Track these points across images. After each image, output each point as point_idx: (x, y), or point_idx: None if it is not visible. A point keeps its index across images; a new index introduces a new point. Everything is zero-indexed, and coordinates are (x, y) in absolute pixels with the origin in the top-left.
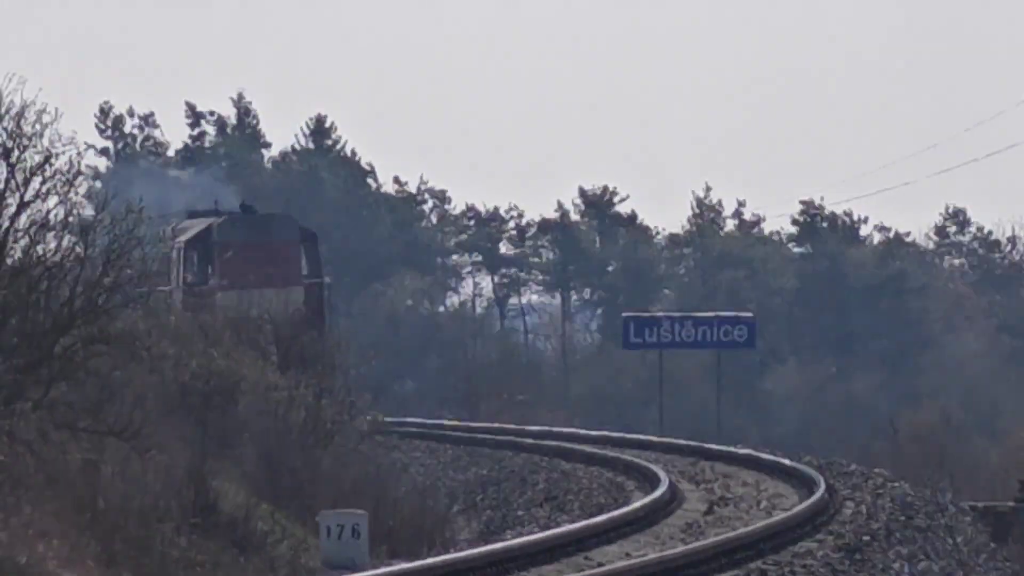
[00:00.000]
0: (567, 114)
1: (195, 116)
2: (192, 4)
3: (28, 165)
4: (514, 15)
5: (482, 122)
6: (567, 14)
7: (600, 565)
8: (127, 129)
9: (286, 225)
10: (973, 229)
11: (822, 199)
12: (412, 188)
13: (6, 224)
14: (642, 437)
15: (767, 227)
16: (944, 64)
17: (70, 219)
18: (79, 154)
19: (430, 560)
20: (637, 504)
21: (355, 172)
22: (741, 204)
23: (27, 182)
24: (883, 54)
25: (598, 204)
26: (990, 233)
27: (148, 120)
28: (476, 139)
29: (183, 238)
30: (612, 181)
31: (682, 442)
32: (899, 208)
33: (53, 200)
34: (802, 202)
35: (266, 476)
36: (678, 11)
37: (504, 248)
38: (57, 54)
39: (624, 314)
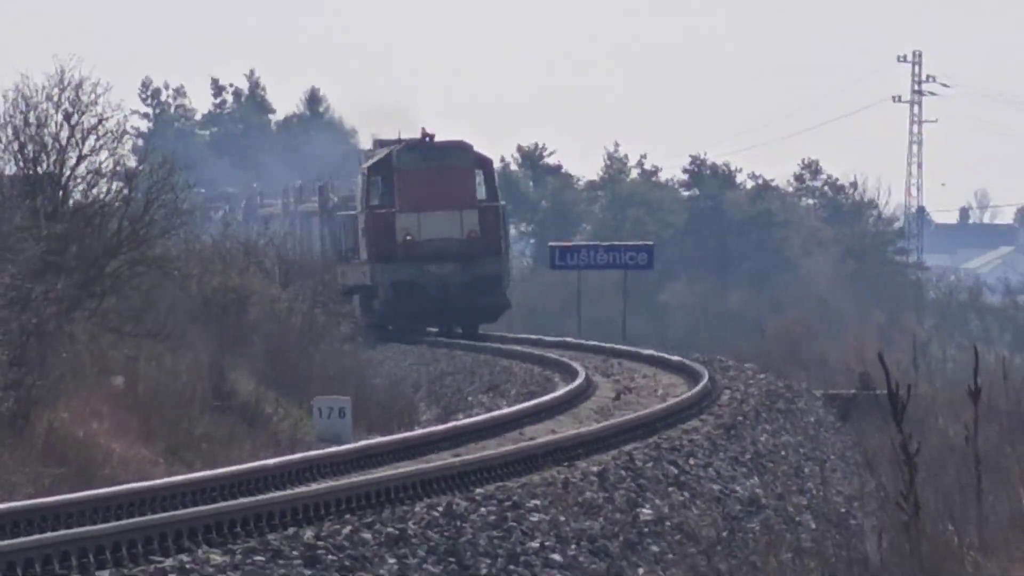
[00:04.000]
0: (507, 87)
1: (217, 88)
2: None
3: (85, 126)
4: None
5: (439, 94)
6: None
7: (531, 439)
8: (163, 98)
9: (462, 152)
10: (824, 176)
11: (705, 153)
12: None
13: (68, 172)
14: (568, 339)
15: (663, 175)
16: (804, 45)
17: (118, 168)
18: (125, 118)
19: (400, 435)
20: (559, 392)
21: (340, 132)
22: (643, 157)
23: (84, 139)
24: (758, 35)
25: (531, 157)
26: (837, 179)
27: (179, 91)
28: (435, 107)
29: (367, 164)
30: (542, 139)
31: (595, 343)
32: (767, 160)
33: (104, 153)
34: (691, 155)
35: (271, 369)
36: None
37: None
38: (108, 38)
39: (550, 243)
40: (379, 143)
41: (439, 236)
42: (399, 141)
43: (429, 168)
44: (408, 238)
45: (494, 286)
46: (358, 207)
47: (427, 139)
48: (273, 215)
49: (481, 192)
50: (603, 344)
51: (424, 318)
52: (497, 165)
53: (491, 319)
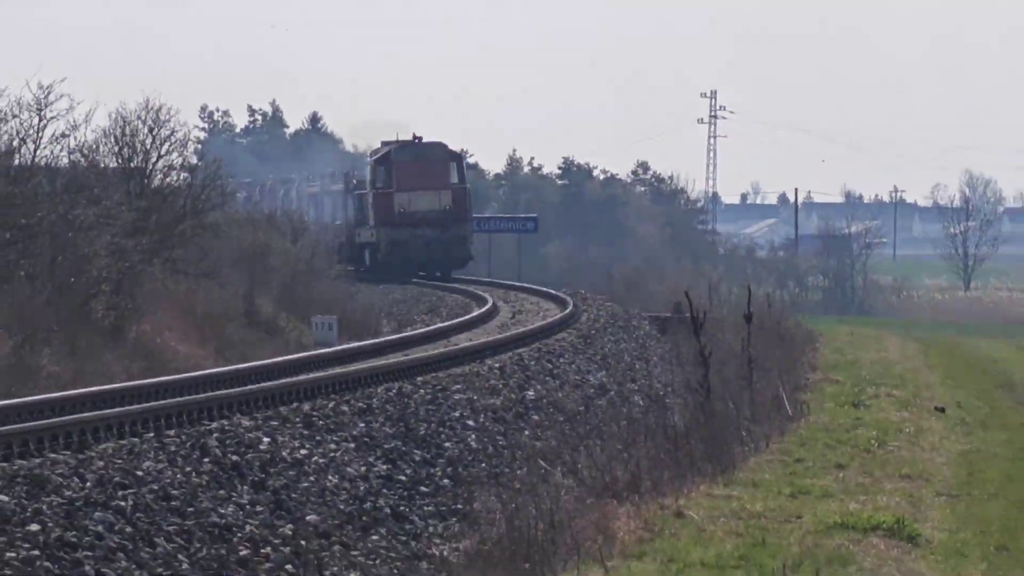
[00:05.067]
0: (435, 105)
1: (251, 111)
2: (248, 54)
3: (162, 136)
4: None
5: (402, 114)
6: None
7: (455, 344)
8: (215, 117)
9: (440, 149)
10: (651, 172)
11: (573, 155)
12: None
13: (151, 166)
14: (481, 279)
15: (545, 170)
16: (639, 82)
17: (184, 164)
18: (188, 131)
19: (368, 341)
20: (474, 313)
21: (334, 142)
22: (532, 158)
23: (162, 145)
24: (612, 73)
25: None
26: (659, 174)
27: (226, 113)
28: (400, 124)
29: (374, 158)
30: (465, 145)
31: (501, 281)
32: (614, 158)
33: (175, 154)
34: (563, 156)
35: (284, 297)
36: (516, 20)
37: None
38: (177, 77)
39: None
40: (383, 143)
41: (424, 209)
42: (397, 141)
43: (417, 160)
44: (402, 210)
45: (462, 244)
46: (368, 188)
47: (416, 140)
48: (315, 193)
49: (454, 177)
50: (504, 281)
51: (413, 266)
52: None
53: (460, 266)
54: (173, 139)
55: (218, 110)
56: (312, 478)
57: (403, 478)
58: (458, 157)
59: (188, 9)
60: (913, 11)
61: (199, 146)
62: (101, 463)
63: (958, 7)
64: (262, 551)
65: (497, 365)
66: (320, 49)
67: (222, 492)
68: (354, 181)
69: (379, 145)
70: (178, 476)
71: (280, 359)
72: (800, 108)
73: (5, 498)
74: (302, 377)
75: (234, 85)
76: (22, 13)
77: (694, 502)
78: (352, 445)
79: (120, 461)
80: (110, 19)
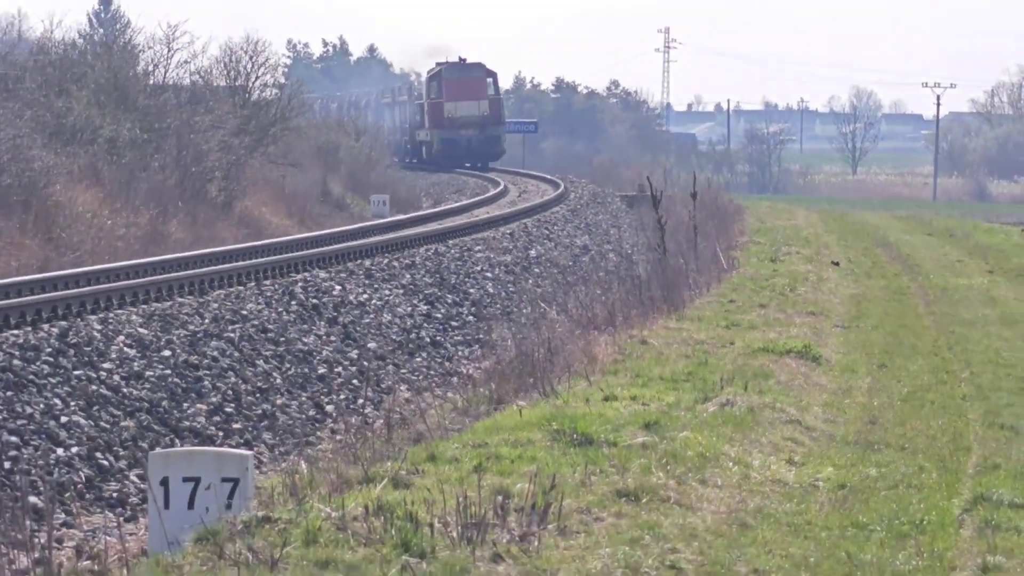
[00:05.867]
0: (454, 26)
1: (324, 43)
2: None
3: (258, 62)
4: None
5: (446, 40)
6: None
7: (475, 215)
8: (297, 48)
9: (480, 68)
10: (622, 87)
11: (564, 76)
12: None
13: (251, 84)
14: (498, 167)
15: (543, 87)
16: (613, 20)
17: (275, 83)
18: (278, 58)
19: (412, 214)
20: (490, 192)
21: (386, 66)
22: (533, 78)
23: (258, 68)
24: (596, 13)
25: None
26: (627, 89)
27: (306, 45)
28: (446, 48)
29: (428, 75)
30: (492, 65)
31: (509, 169)
32: (594, 78)
33: (268, 76)
34: (557, 76)
35: (350, 181)
36: None
37: None
38: (270, 19)
39: None
40: (437, 63)
41: (467, 114)
42: (446, 62)
43: (462, 76)
44: (450, 115)
45: (497, 141)
46: (424, 98)
47: (461, 61)
48: (388, 103)
49: (491, 90)
50: (512, 169)
51: (459, 159)
52: None
53: (495, 159)
54: (266, 64)
55: (300, 42)
56: (371, 316)
57: (439, 316)
58: (493, 74)
59: None
60: None
61: (286, 69)
62: (216, 305)
63: None
64: (335, 369)
65: (508, 231)
66: None
67: (305, 326)
68: (416, 93)
69: (433, 65)
70: (272, 315)
71: (347, 227)
72: (732, 39)
73: (145, 331)
74: (363, 240)
75: (313, 23)
76: None
77: (654, 333)
78: (401, 291)
79: (230, 304)
80: None
